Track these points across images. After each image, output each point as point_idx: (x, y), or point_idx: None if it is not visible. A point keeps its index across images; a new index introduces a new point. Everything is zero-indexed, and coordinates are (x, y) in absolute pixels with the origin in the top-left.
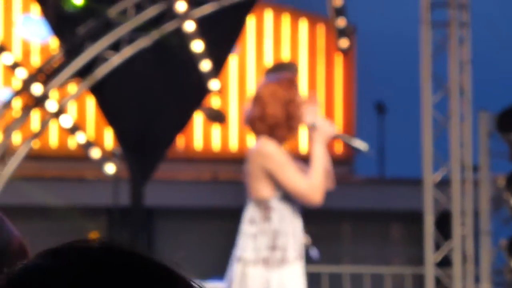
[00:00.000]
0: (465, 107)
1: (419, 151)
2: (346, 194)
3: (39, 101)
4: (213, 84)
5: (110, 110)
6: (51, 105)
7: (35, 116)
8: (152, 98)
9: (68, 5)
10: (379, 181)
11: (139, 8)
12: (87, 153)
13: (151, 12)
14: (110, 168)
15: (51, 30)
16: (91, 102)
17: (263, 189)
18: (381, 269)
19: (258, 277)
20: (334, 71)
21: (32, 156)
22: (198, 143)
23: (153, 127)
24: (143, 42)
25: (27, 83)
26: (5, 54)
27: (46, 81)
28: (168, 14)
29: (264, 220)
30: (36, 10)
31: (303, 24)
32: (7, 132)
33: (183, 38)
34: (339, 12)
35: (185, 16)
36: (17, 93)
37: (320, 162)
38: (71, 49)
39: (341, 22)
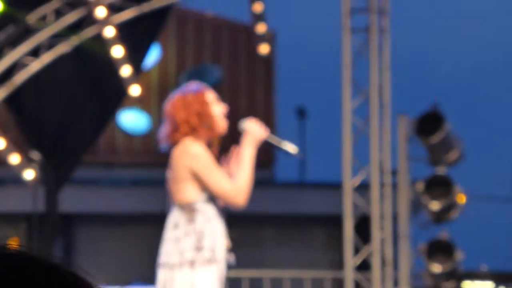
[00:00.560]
0: (384, 112)
1: (339, 155)
2: (267, 198)
3: None
4: (134, 89)
5: (23, 114)
6: None
7: None
8: (68, 103)
9: None
10: (299, 186)
11: (58, 14)
12: (6, 158)
13: (70, 18)
14: (29, 174)
15: None
16: None
17: (188, 191)
18: (301, 273)
19: (183, 280)
20: (255, 77)
21: None
22: (119, 149)
23: (68, 132)
24: (63, 48)
25: None
26: None
27: None
28: (88, 20)
29: (188, 223)
30: None
31: (225, 29)
32: None
33: (102, 44)
34: (260, 18)
35: (105, 22)
36: None
37: (248, 165)
38: None
39: (261, 28)
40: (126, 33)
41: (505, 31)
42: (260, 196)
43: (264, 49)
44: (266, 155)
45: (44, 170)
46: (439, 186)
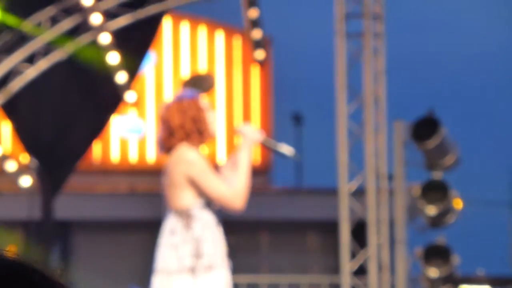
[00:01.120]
0: (380, 117)
1: (335, 160)
2: (264, 203)
3: None
4: (129, 96)
5: (20, 122)
6: None
7: None
8: (64, 110)
9: None
10: (296, 191)
11: (54, 21)
12: (2, 166)
13: (66, 24)
14: (25, 181)
15: None
16: None
17: (184, 197)
18: (298, 278)
19: (181, 286)
20: (250, 83)
21: None
22: (115, 156)
23: (64, 139)
24: (58, 55)
25: None
26: None
27: None
28: (83, 26)
29: (186, 230)
30: None
31: (220, 35)
32: None
33: (98, 50)
34: (255, 23)
35: (100, 29)
36: None
37: (245, 169)
38: None
39: (256, 33)
40: (122, 39)
41: (503, 36)
42: (257, 201)
43: (259, 55)
44: (262, 161)
45: (40, 177)
46: (435, 190)
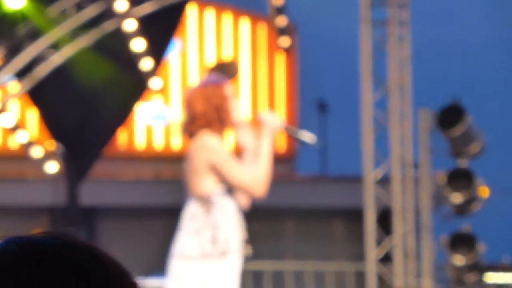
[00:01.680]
0: (405, 105)
1: (360, 148)
2: (289, 191)
3: None
4: (155, 82)
5: (45, 108)
6: None
7: None
8: (89, 97)
9: (7, 8)
10: (321, 179)
11: (79, 7)
12: (28, 152)
13: (91, 11)
14: (51, 167)
15: None
16: None
17: (205, 184)
18: (323, 265)
19: (201, 272)
20: (275, 70)
21: None
22: (140, 142)
23: (89, 126)
24: (83, 42)
25: None
26: None
27: None
28: (108, 13)
29: (206, 215)
30: None
31: (245, 23)
32: None
33: (122, 37)
34: (280, 11)
35: (125, 15)
36: None
37: (267, 156)
38: (11, 49)
39: (281, 20)
40: (147, 26)
41: None
42: (282, 189)
43: (284, 42)
44: (287, 148)
45: (66, 163)
46: (460, 178)
